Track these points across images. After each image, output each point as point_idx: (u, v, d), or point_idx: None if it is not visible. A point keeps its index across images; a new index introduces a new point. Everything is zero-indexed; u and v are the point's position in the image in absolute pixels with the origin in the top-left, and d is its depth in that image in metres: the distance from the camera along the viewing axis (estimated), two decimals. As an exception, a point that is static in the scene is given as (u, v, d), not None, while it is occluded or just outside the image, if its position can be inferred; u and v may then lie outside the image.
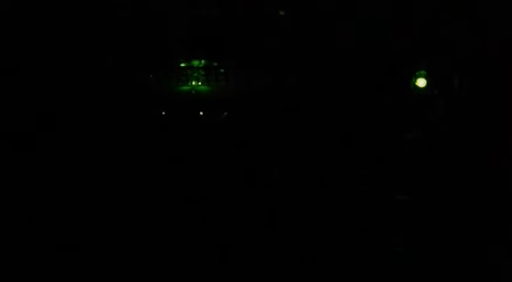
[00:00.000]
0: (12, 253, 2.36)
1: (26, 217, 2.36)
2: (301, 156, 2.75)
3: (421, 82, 2.69)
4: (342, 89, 2.70)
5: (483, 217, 2.58)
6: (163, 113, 2.74)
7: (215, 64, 2.68)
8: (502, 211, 2.58)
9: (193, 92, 2.72)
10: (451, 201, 2.64)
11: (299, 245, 2.58)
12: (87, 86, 2.62)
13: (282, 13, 2.62)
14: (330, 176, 2.73)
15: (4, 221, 2.35)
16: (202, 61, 2.67)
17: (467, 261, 2.45)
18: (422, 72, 2.68)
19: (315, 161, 2.74)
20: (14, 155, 2.34)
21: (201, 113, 2.73)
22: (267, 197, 2.70)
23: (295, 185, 2.71)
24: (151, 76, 2.69)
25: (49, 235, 2.40)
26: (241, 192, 2.68)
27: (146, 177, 2.71)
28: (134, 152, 2.72)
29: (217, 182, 2.69)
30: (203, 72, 2.69)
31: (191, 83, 2.71)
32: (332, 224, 2.65)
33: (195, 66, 2.69)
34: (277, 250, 2.58)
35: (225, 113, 2.74)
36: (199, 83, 2.71)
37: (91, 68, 2.60)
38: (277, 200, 2.72)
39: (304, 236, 2.62)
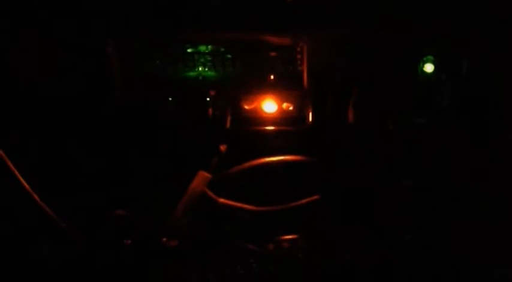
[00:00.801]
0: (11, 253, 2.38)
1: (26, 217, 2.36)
2: (308, 142, 2.77)
3: (429, 67, 2.67)
4: (348, 75, 2.68)
5: (490, 205, 2.62)
6: (170, 98, 2.74)
7: (222, 50, 2.66)
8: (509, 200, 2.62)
9: (200, 77, 2.72)
10: (459, 186, 2.68)
11: (303, 235, 2.64)
12: (91, 72, 2.60)
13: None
14: (336, 162, 2.75)
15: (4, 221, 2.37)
16: (209, 46, 2.65)
17: (475, 249, 2.49)
18: (430, 57, 2.67)
19: (321, 147, 2.76)
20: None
21: (208, 99, 2.72)
22: (273, 185, 2.75)
23: (302, 172, 2.74)
24: (157, 62, 2.67)
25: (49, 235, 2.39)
26: (247, 181, 2.71)
27: (152, 164, 2.74)
28: (140, 138, 2.74)
29: (224, 170, 2.71)
30: (210, 58, 2.68)
31: (198, 69, 2.70)
32: (337, 211, 2.70)
33: (201, 51, 2.67)
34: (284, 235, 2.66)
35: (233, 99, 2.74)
36: (206, 69, 2.70)
37: (95, 55, 2.58)
38: (283, 185, 2.77)
39: (308, 225, 2.68)
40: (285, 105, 2.75)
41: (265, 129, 2.77)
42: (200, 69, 2.70)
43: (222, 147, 2.72)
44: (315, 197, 2.73)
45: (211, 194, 2.67)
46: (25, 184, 2.23)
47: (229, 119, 2.72)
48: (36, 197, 2.26)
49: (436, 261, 2.44)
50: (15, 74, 2.52)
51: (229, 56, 2.67)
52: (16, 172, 2.22)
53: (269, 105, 2.74)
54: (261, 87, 2.72)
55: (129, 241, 2.48)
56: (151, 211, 2.62)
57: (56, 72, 2.57)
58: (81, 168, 2.66)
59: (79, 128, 2.66)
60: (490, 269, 2.41)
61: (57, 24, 2.48)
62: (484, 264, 2.43)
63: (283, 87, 2.72)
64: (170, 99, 2.73)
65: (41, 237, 2.43)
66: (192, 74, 2.71)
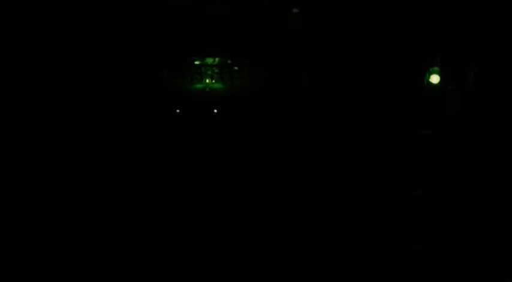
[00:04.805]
0: (12, 253, 2.34)
1: (26, 217, 2.32)
2: (315, 153, 2.76)
3: (435, 78, 2.68)
4: (355, 87, 2.69)
5: (500, 213, 2.61)
6: (178, 110, 2.73)
7: (229, 62, 2.66)
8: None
9: (207, 89, 2.71)
10: (468, 197, 2.67)
11: (315, 243, 2.62)
12: (99, 84, 2.59)
13: (295, 10, 2.60)
14: (346, 173, 2.74)
15: (4, 221, 2.32)
16: (216, 59, 2.66)
17: (485, 258, 2.47)
18: (436, 68, 2.68)
19: (330, 157, 2.76)
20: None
21: (215, 111, 2.72)
22: (279, 196, 2.73)
23: (311, 182, 2.73)
24: (165, 74, 2.67)
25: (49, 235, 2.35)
26: (254, 191, 2.70)
27: (159, 176, 2.72)
28: (148, 150, 2.73)
29: (230, 181, 2.70)
30: (217, 70, 2.68)
31: (205, 81, 2.70)
32: (348, 221, 2.68)
33: (209, 64, 2.67)
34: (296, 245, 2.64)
35: (239, 111, 2.73)
36: (213, 81, 2.70)
37: (104, 66, 2.57)
38: (291, 196, 2.75)
39: (319, 233, 2.65)
40: (293, 115, 2.74)
41: (273, 137, 2.76)
42: (207, 81, 2.70)
43: None
44: (324, 208, 2.71)
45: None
46: (32, 186, 2.18)
47: (237, 129, 2.71)
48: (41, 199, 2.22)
49: (446, 269, 2.43)
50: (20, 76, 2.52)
51: (236, 68, 2.67)
52: (22, 173, 2.17)
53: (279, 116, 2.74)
54: (269, 98, 2.72)
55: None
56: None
57: (66, 83, 2.57)
58: (91, 178, 2.64)
59: (87, 140, 2.65)
60: (500, 279, 2.39)
61: (69, 40, 2.49)
62: (494, 274, 2.41)
63: (292, 98, 2.71)
64: (178, 111, 2.72)
65: (48, 239, 2.40)
66: (199, 86, 2.71)
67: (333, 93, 2.70)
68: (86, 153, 2.64)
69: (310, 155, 2.75)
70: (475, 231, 2.58)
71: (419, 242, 2.57)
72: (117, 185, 2.65)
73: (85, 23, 2.51)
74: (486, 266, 2.41)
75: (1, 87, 2.45)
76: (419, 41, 2.61)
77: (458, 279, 2.39)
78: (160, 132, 2.74)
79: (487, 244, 2.51)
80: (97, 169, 2.65)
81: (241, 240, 2.63)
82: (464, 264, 2.43)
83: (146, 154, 2.72)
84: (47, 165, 2.54)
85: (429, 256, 2.49)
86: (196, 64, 2.67)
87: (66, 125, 2.62)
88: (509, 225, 2.57)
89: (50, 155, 2.59)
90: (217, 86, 2.70)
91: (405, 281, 2.39)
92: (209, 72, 2.69)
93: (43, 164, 2.53)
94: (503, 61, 2.63)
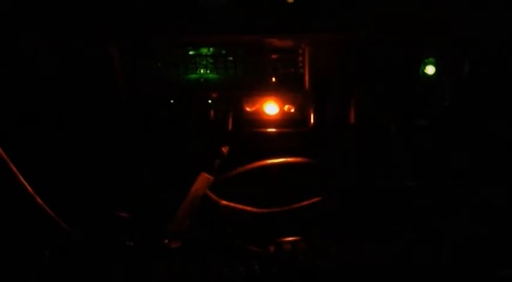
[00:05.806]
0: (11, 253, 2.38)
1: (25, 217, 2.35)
2: (309, 144, 2.78)
3: (430, 69, 2.67)
4: (350, 77, 2.69)
5: (492, 205, 2.63)
6: (172, 101, 2.75)
7: (223, 52, 2.66)
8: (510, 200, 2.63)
9: (202, 80, 2.72)
10: (460, 188, 2.68)
11: (304, 237, 2.64)
12: (93, 74, 2.60)
13: (290, 0, 2.58)
14: (338, 164, 2.76)
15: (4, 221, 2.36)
16: (211, 49, 2.65)
17: (477, 250, 2.49)
18: (431, 59, 2.67)
19: (323, 148, 2.77)
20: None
21: (210, 101, 2.73)
22: (275, 187, 2.76)
23: (304, 174, 2.75)
24: (159, 64, 2.67)
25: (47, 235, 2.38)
26: (249, 183, 2.72)
27: (154, 166, 2.75)
28: (142, 140, 2.75)
29: (226, 172, 2.73)
30: (211, 60, 2.68)
31: (200, 71, 2.71)
32: (338, 213, 2.71)
33: (203, 54, 2.67)
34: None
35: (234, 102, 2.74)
36: (208, 71, 2.70)
37: (98, 57, 2.58)
38: (285, 187, 2.78)
39: (310, 227, 2.68)
40: (286, 107, 2.75)
41: (266, 131, 2.78)
42: (202, 71, 2.70)
43: (224, 149, 2.73)
44: (316, 199, 2.74)
45: (213, 196, 2.69)
46: (27, 186, 2.21)
47: (231, 121, 2.72)
48: (38, 198, 2.25)
49: (438, 262, 2.44)
50: (17, 75, 2.53)
51: (230, 58, 2.67)
52: (17, 173, 2.19)
53: (271, 107, 2.74)
54: (263, 89, 2.72)
55: (132, 243, 2.49)
56: (154, 213, 2.63)
57: (59, 75, 2.58)
58: (84, 170, 2.67)
59: (81, 130, 2.67)
60: (492, 270, 2.40)
61: (59, 27, 2.48)
62: (485, 265, 2.42)
63: (285, 89, 2.71)
64: (172, 101, 2.73)
65: (43, 239, 2.42)
66: (193, 76, 2.71)
67: (327, 84, 2.70)
68: (79, 144, 2.67)
69: (302, 146, 2.77)
70: (468, 222, 2.59)
71: (411, 232, 2.58)
72: (110, 176, 2.69)
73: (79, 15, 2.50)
74: (480, 257, 2.41)
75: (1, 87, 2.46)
76: (415, 31, 2.58)
77: (450, 270, 2.39)
78: (154, 123, 2.76)
79: (481, 236, 2.52)
80: (90, 160, 2.68)
81: (240, 233, 2.66)
82: (456, 254, 2.44)
83: (140, 145, 2.75)
84: (46, 159, 2.56)
85: (420, 246, 2.50)
86: (191, 54, 2.67)
87: (63, 118, 2.64)
88: (505, 216, 2.59)
89: (50, 146, 2.62)
90: (212, 76, 2.70)
91: (396, 270, 2.40)
92: (203, 62, 2.69)
93: (42, 158, 2.55)
94: (499, 53, 2.60)
